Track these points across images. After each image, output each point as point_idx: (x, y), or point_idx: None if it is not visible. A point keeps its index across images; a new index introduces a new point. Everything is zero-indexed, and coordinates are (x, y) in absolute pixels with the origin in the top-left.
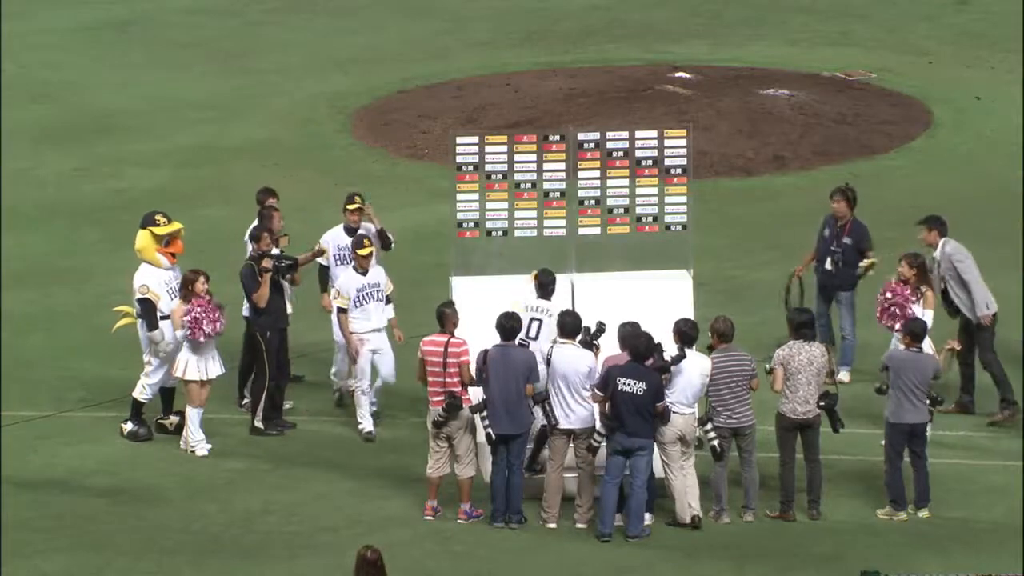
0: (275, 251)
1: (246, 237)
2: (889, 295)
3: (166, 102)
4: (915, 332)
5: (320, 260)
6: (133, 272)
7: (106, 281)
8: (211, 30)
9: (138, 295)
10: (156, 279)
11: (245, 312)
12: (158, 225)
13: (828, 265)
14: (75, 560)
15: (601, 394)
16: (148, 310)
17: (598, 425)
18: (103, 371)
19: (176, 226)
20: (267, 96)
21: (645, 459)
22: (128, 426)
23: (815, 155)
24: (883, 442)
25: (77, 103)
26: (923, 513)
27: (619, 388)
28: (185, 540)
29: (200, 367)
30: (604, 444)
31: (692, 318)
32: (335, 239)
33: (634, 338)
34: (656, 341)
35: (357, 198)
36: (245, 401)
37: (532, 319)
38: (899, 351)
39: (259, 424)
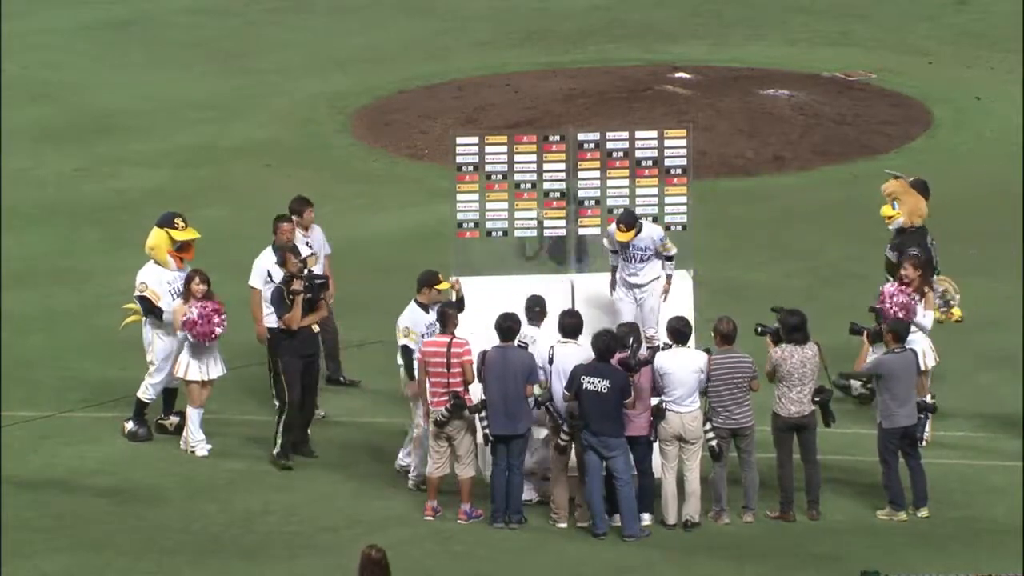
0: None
1: (275, 262)
2: (891, 298)
3: (166, 102)
4: (898, 332)
5: (406, 340)
6: (134, 271)
7: (106, 281)
8: (211, 30)
9: (136, 292)
10: (157, 278)
11: (270, 322)
12: (176, 228)
13: None
14: (75, 560)
15: (569, 393)
16: (148, 307)
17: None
18: (103, 371)
19: (194, 234)
20: (267, 96)
21: (621, 459)
22: (129, 425)
23: (815, 155)
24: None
25: (77, 103)
26: (922, 513)
27: (583, 387)
28: (185, 540)
29: (201, 368)
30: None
31: (690, 317)
32: (415, 320)
33: (595, 337)
34: (649, 335)
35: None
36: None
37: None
38: (886, 356)
39: (275, 452)
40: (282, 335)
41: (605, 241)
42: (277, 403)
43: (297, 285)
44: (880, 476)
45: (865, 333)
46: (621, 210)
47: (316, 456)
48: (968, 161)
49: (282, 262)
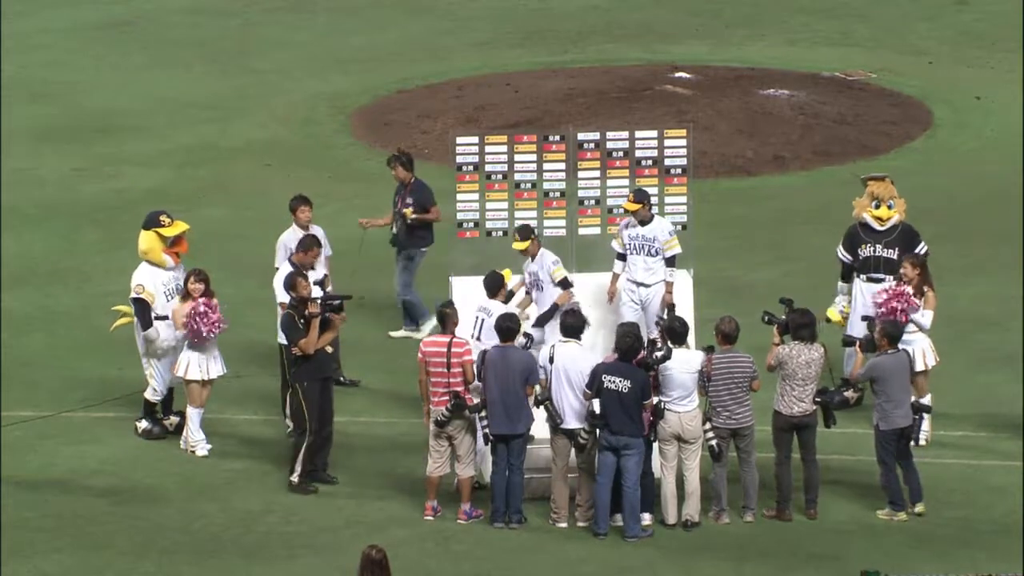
0: (318, 292)
1: (279, 284)
2: (889, 297)
3: (166, 102)
4: (892, 335)
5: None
6: (133, 271)
7: (106, 281)
8: (211, 30)
9: (133, 295)
10: (153, 279)
11: (280, 339)
12: (163, 226)
13: (394, 228)
14: (75, 560)
15: (590, 392)
16: (142, 310)
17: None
18: (103, 371)
19: (182, 227)
20: (267, 96)
21: (634, 459)
22: (143, 424)
23: (815, 155)
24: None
25: (77, 103)
26: (919, 508)
27: (604, 385)
28: (185, 540)
29: (201, 367)
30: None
31: (690, 317)
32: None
33: (620, 337)
34: (652, 338)
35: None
36: (289, 428)
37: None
38: (880, 358)
39: (295, 479)
40: (298, 360)
41: (615, 243)
42: (292, 426)
43: (313, 308)
44: (878, 477)
45: (857, 344)
46: (622, 208)
47: (335, 482)
48: (968, 161)
49: (292, 286)
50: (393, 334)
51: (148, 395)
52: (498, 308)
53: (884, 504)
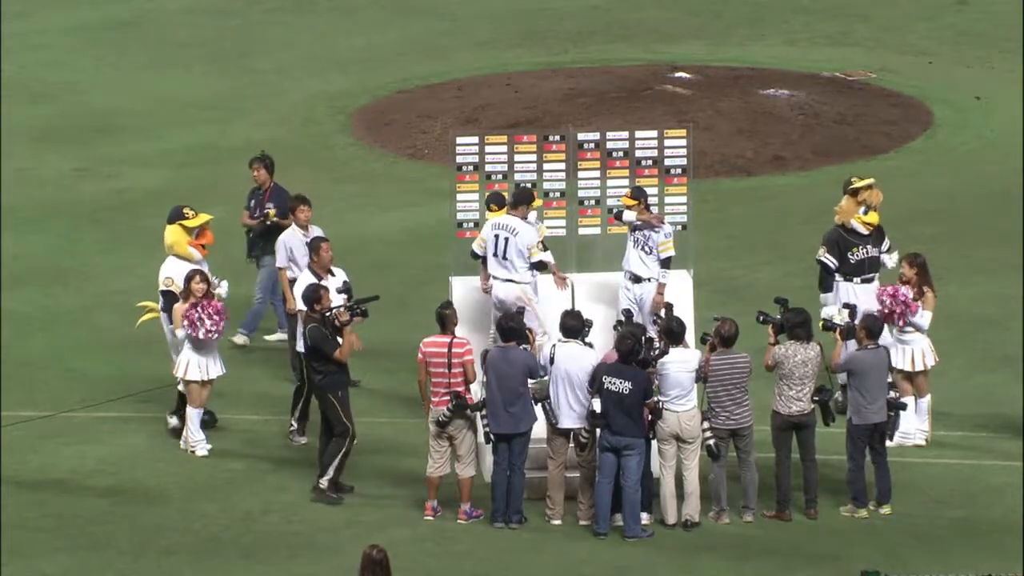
0: (339, 299)
1: (298, 293)
2: (888, 300)
3: (166, 102)
4: (871, 329)
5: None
6: (134, 271)
7: (106, 281)
8: (211, 30)
9: (162, 287)
10: (181, 272)
11: (300, 348)
12: (187, 218)
13: (249, 232)
14: (75, 560)
15: (593, 390)
16: (170, 304)
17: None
18: (103, 371)
19: (205, 217)
20: (267, 96)
21: (635, 459)
22: (172, 420)
23: (815, 155)
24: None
25: (77, 103)
26: (885, 510)
27: (605, 387)
28: (185, 540)
29: (201, 367)
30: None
31: (690, 317)
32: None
33: (619, 339)
34: (649, 336)
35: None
36: (292, 429)
37: (497, 235)
38: (858, 352)
39: (324, 483)
40: (329, 371)
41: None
42: (296, 428)
43: (344, 316)
44: (846, 472)
45: (837, 330)
46: (619, 208)
47: (352, 491)
48: (968, 161)
49: (316, 299)
50: (268, 338)
51: (182, 388)
52: (519, 224)
53: (873, 501)
